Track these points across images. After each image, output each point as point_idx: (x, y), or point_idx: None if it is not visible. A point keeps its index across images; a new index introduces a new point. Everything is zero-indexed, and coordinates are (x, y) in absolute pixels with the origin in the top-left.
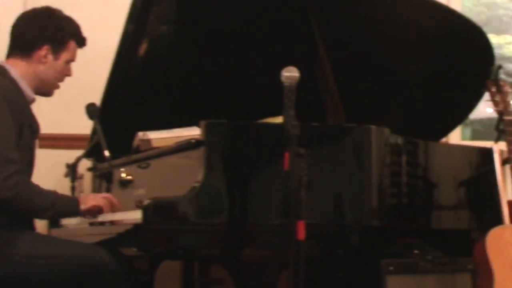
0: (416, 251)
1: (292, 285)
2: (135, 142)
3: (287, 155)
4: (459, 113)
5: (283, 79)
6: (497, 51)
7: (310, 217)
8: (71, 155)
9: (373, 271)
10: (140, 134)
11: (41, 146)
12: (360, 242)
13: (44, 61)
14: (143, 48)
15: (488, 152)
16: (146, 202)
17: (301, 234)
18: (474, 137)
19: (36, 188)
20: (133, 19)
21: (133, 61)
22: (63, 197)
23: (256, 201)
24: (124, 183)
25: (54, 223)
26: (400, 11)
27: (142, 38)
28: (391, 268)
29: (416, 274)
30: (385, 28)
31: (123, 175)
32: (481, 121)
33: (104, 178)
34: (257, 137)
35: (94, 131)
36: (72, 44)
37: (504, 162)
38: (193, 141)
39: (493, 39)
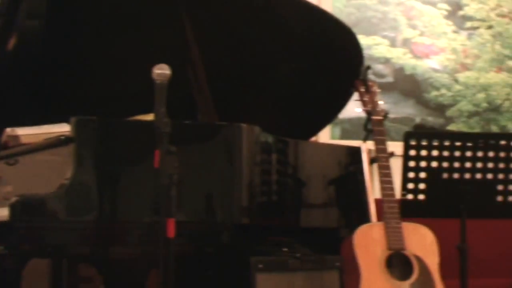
0: (285, 249)
1: (162, 283)
2: (3, 138)
3: (157, 153)
4: (328, 112)
5: (154, 76)
6: (366, 52)
7: (180, 215)
8: None
9: (243, 269)
10: (8, 130)
11: None
12: (230, 240)
13: None
14: (11, 43)
15: (357, 151)
16: (13, 199)
17: (171, 232)
18: (343, 136)
19: None
20: (1, 13)
21: (0, 56)
22: None
23: (126, 199)
24: None
25: None
26: (271, 11)
27: (10, 33)
28: (261, 265)
29: (285, 272)
30: (256, 28)
31: None
32: (350, 121)
33: None
34: (128, 134)
35: None
36: None
37: (372, 161)
38: (62, 137)
39: (363, 40)
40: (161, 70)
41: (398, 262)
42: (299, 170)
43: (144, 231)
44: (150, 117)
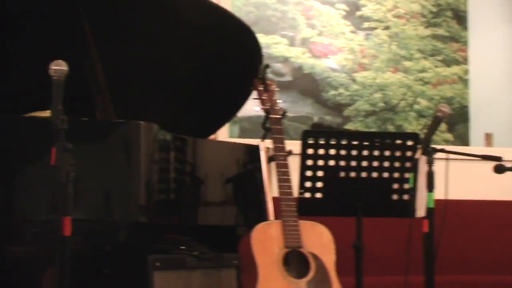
0: (183, 247)
1: (58, 282)
2: None
3: (54, 150)
4: (227, 111)
5: (51, 72)
6: (265, 51)
7: (77, 213)
8: None
9: (140, 267)
10: None
11: None
12: (127, 238)
13: None
14: None
15: (255, 149)
16: None
17: (67, 230)
18: (242, 134)
19: None
20: None
21: None
22: None
23: (22, 196)
24: None
25: None
26: (171, 9)
27: None
28: (158, 264)
29: (183, 270)
30: (156, 26)
31: None
32: (249, 119)
33: None
34: (24, 131)
35: None
36: None
37: (270, 159)
38: None
39: (262, 38)
40: (58, 67)
41: (295, 260)
42: (197, 168)
43: (40, 229)
44: (46, 113)
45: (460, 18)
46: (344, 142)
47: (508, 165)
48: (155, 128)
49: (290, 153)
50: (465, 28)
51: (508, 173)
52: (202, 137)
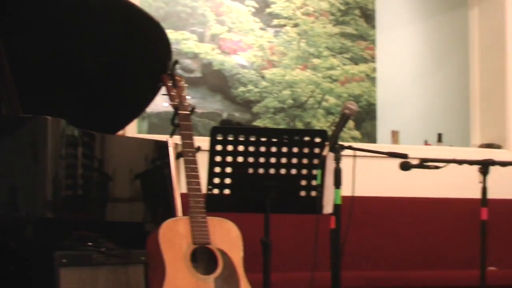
0: (90, 244)
1: None
2: None
3: None
4: (136, 107)
5: None
6: (174, 47)
7: None
8: None
9: (46, 264)
10: None
11: None
12: (34, 234)
13: None
14: None
15: (164, 145)
16: None
17: None
18: (151, 130)
19: None
20: None
21: None
22: None
23: None
24: None
25: None
26: (79, 3)
27: None
28: (64, 260)
29: (90, 266)
30: (64, 21)
31: None
32: (158, 115)
33: None
34: None
35: None
36: None
37: (178, 155)
38: None
39: (171, 34)
40: None
41: (203, 257)
42: (105, 164)
43: None
44: None
45: (368, 16)
46: (252, 139)
47: (413, 162)
48: (62, 123)
49: (198, 149)
50: (372, 26)
51: (414, 170)
52: (110, 133)
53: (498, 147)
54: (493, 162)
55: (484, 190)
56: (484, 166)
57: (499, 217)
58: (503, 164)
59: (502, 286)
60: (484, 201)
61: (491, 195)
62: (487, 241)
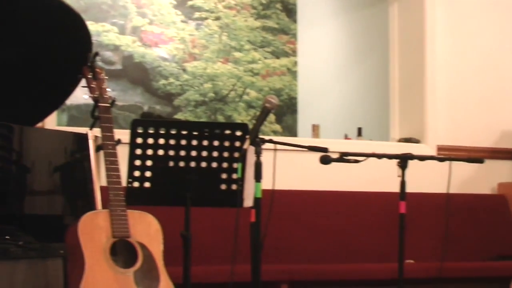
0: (7, 237)
1: None
2: None
3: None
4: (55, 99)
5: None
6: (95, 39)
7: None
8: None
9: None
10: None
11: None
12: None
13: None
14: None
15: (83, 138)
16: None
17: None
18: (71, 122)
19: None
20: None
21: None
22: None
23: None
24: None
25: None
26: None
27: None
28: None
29: (7, 260)
30: None
31: None
32: (78, 107)
33: None
34: None
35: None
36: None
37: (98, 148)
38: None
39: (92, 26)
40: None
41: (123, 250)
42: (24, 156)
43: None
44: None
45: (290, 11)
46: (173, 132)
47: (334, 156)
48: None
49: (119, 142)
50: (294, 21)
51: (334, 164)
52: (29, 125)
53: (416, 141)
54: (411, 156)
55: (402, 184)
56: (403, 160)
57: (417, 210)
58: (421, 158)
59: (419, 279)
60: (402, 194)
61: (409, 189)
62: (405, 235)
